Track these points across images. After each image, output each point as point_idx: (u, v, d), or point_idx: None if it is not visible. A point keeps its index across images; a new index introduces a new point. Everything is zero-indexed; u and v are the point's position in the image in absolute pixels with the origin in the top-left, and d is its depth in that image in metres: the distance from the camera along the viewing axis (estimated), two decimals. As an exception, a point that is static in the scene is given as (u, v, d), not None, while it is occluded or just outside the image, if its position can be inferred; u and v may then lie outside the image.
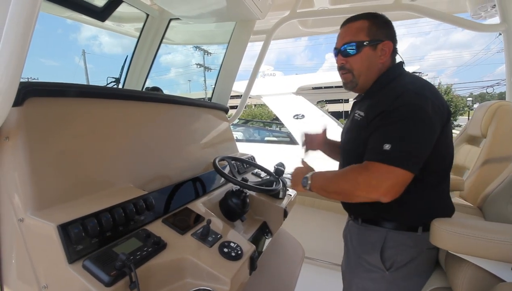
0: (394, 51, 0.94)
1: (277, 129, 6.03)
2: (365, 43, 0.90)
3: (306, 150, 1.23)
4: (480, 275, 0.70)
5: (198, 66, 25.66)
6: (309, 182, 0.92)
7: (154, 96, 1.07)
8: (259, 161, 1.72)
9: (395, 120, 0.81)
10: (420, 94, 0.82)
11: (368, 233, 0.95)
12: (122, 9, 1.76)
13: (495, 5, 1.49)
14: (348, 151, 1.00)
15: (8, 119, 0.61)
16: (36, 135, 0.64)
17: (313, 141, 1.25)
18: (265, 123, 9.85)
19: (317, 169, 0.98)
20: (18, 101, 0.63)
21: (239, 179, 1.02)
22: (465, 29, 1.50)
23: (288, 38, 2.19)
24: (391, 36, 0.93)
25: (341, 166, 1.04)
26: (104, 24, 1.85)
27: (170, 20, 1.90)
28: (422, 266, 0.91)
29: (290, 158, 3.58)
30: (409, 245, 0.88)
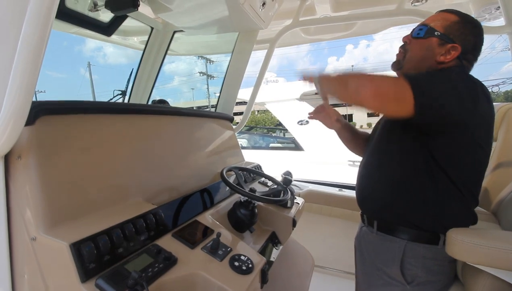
0: (464, 59, 0.88)
1: (281, 135, 6.03)
2: (435, 33, 0.87)
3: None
4: (499, 286, 0.68)
5: (201, 74, 25.98)
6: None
7: (160, 109, 1.08)
8: (265, 169, 1.72)
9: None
10: (472, 80, 0.80)
11: (386, 244, 0.91)
12: (127, 23, 1.80)
13: (499, 6, 1.49)
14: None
15: (20, 138, 0.62)
16: (47, 154, 0.65)
17: (329, 117, 1.18)
18: (269, 129, 9.85)
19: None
20: (30, 121, 0.64)
21: (246, 188, 1.02)
22: (470, 32, 1.49)
23: (291, 46, 2.21)
24: (467, 43, 0.87)
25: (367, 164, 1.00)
26: (110, 38, 1.89)
27: (174, 32, 1.93)
28: (444, 281, 0.87)
29: (296, 163, 3.57)
30: (430, 258, 0.84)
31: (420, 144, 0.84)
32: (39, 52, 0.54)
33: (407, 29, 1.05)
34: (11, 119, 0.56)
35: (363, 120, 38.97)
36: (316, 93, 4.10)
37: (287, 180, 1.14)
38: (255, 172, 1.29)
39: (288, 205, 1.22)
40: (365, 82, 0.77)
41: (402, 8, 1.42)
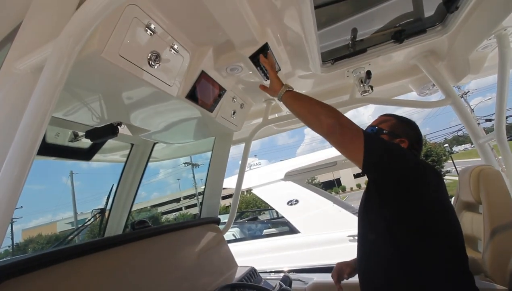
0: (414, 149, 1.05)
1: (274, 215, 5.83)
2: (384, 131, 1.07)
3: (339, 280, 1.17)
4: None
5: (186, 165, 26.53)
6: (282, 94, 1.04)
7: (138, 234, 1.02)
8: (263, 260, 1.54)
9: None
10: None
11: None
12: (107, 142, 1.88)
13: (434, 84, 1.73)
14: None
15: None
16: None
17: (345, 271, 1.21)
18: (260, 211, 9.56)
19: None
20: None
21: None
22: (417, 108, 1.68)
23: (266, 137, 2.37)
24: (411, 137, 1.05)
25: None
26: (91, 158, 1.93)
27: (154, 144, 2.03)
28: None
29: (294, 249, 3.34)
30: None
31: (395, 229, 0.87)
32: (8, 215, 0.53)
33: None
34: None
35: (351, 183, 39.33)
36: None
37: (285, 291, 1.02)
38: (249, 286, 1.17)
39: (293, 319, 1.07)
40: (328, 112, 0.89)
41: (354, 97, 1.62)
